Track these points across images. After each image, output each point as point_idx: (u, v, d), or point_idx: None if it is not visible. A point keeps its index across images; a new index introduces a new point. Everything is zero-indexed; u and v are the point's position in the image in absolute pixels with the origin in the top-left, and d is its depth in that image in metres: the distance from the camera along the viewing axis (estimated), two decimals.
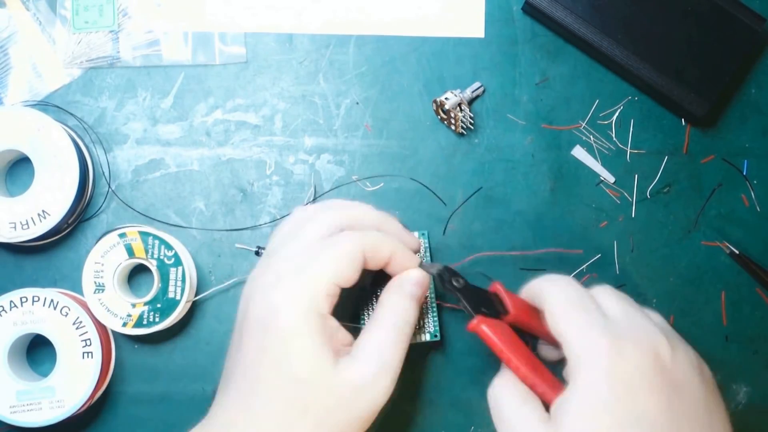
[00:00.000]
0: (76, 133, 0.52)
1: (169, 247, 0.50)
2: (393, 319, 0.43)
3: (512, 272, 0.53)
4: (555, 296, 0.42)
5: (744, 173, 0.54)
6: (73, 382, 0.49)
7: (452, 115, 0.52)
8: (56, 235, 0.51)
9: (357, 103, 0.54)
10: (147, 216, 0.52)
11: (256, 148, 0.54)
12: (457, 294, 0.44)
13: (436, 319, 0.50)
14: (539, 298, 0.43)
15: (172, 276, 0.49)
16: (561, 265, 0.53)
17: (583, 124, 0.54)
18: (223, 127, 0.54)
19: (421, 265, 0.45)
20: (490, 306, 0.43)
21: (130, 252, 0.49)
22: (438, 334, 0.50)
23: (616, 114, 0.54)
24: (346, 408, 0.41)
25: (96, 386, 0.49)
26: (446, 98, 0.52)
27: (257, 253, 0.52)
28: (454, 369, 0.53)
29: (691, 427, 0.38)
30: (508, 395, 0.41)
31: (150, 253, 0.49)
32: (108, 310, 0.49)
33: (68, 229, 0.52)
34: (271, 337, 0.41)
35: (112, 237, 0.49)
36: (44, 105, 0.53)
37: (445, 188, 0.53)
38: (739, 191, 0.54)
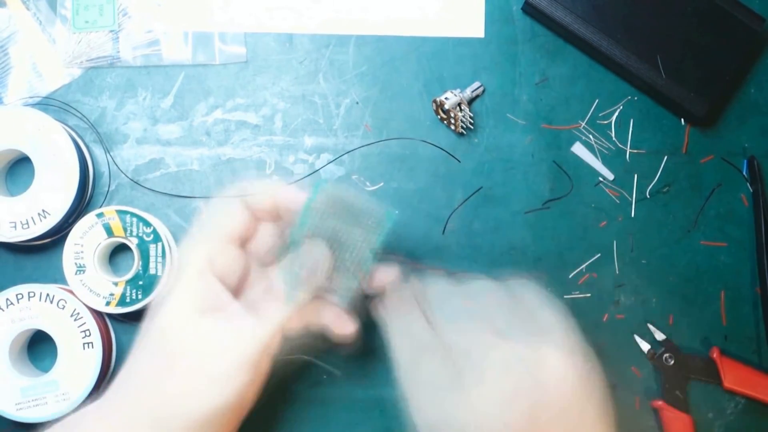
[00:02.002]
0: (76, 132, 0.52)
1: (147, 224, 0.50)
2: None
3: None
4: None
5: (744, 173, 0.54)
6: (76, 374, 0.49)
7: (452, 114, 0.52)
8: (56, 234, 0.51)
9: (357, 103, 0.54)
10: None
11: (256, 148, 0.54)
12: None
13: None
14: None
15: (152, 252, 0.50)
16: (561, 264, 0.53)
17: (583, 124, 0.54)
18: (223, 126, 0.54)
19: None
20: None
21: (109, 231, 0.49)
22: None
23: (616, 114, 0.54)
24: (205, 363, 0.40)
25: (100, 376, 0.49)
26: (446, 98, 0.52)
27: None
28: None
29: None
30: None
31: (129, 231, 0.50)
32: (90, 291, 0.49)
33: (68, 229, 0.52)
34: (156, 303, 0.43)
35: (90, 218, 0.49)
36: (44, 105, 0.53)
37: (445, 188, 0.53)
38: (738, 191, 0.54)
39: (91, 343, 0.49)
